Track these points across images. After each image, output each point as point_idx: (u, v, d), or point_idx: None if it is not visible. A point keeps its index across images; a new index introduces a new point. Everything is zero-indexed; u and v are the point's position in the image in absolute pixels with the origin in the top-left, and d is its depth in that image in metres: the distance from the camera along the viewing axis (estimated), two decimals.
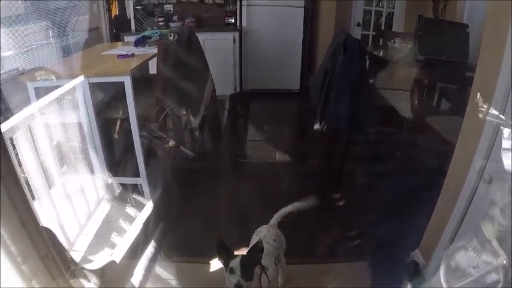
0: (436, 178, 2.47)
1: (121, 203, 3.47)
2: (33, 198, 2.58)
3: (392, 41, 4.62)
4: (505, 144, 1.69)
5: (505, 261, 1.42)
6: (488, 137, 1.82)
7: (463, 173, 2.01)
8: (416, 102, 4.62)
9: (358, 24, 6.79)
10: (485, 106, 1.87)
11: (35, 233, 1.41)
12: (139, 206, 3.43)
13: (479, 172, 1.85)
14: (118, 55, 3.57)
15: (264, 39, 6.43)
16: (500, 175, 1.67)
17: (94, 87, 3.11)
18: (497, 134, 1.77)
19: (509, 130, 1.71)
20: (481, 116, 1.88)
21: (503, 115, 1.73)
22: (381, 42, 5.56)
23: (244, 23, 6.34)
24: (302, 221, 3.29)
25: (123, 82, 3.10)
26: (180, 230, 3.15)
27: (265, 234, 2.36)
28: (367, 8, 6.85)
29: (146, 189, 3.49)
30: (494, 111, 1.79)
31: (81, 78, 3.02)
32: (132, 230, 3.13)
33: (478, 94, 1.96)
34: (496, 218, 1.52)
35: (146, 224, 3.19)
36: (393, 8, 6.77)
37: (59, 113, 3.23)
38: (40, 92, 3.07)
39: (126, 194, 3.55)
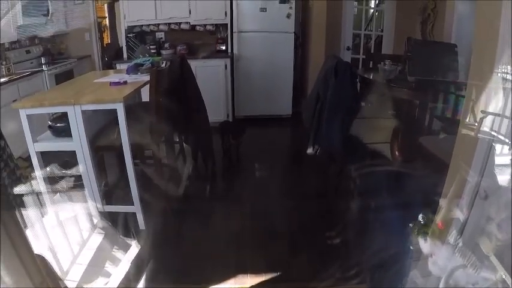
0: (432, 198, 2.47)
1: (115, 232, 3.43)
2: (26, 226, 2.55)
3: (382, 63, 4.65)
4: (499, 160, 1.70)
5: (504, 276, 1.41)
6: (482, 154, 1.82)
7: (458, 190, 2.00)
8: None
9: (348, 48, 6.86)
10: (477, 123, 1.88)
11: (29, 261, 1.38)
12: (134, 235, 3.40)
13: (475, 188, 1.85)
14: (110, 83, 3.58)
15: (255, 65, 6.48)
16: (496, 191, 1.67)
17: (87, 115, 3.11)
18: (490, 150, 1.78)
19: (502, 146, 1.72)
20: (473, 133, 1.89)
21: (495, 131, 1.74)
22: (371, 65, 5.61)
23: (235, 50, 6.40)
24: (301, 245, 3.30)
25: (116, 109, 3.11)
26: (176, 258, 3.12)
27: None
28: (356, 31, 6.94)
29: (140, 217, 3.46)
30: (486, 128, 1.80)
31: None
32: (127, 259, 3.08)
33: (470, 111, 1.98)
34: (493, 234, 1.52)
35: (141, 252, 3.15)
36: (382, 31, 6.87)
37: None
38: (33, 119, 3.08)
39: (118, 224, 3.51)
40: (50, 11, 5.63)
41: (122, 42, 6.45)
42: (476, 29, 2.14)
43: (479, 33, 2.09)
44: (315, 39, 6.53)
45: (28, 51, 5.46)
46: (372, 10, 7.30)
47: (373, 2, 7.34)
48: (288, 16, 6.24)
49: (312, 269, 2.97)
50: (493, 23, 1.85)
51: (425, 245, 2.24)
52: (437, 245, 2.07)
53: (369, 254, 2.97)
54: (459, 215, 1.98)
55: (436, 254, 2.05)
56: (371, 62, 5.76)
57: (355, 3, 6.98)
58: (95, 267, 2.98)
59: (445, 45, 4.61)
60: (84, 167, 3.23)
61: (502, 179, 1.66)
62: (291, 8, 6.21)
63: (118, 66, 5.92)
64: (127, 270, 2.93)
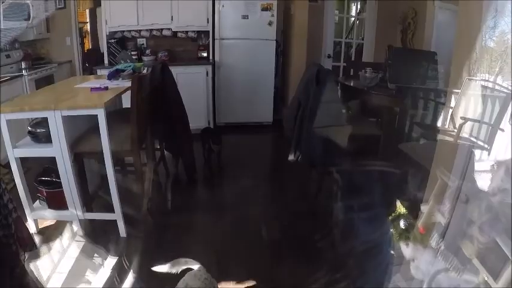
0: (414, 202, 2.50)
1: (95, 239, 3.38)
2: None
3: (363, 71, 4.69)
4: (478, 164, 1.72)
5: (486, 278, 1.43)
6: (462, 159, 1.85)
7: (439, 195, 2.03)
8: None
9: (329, 56, 6.92)
10: (456, 129, 1.91)
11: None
12: (114, 243, 3.35)
13: (456, 193, 1.87)
14: (91, 88, 3.54)
15: (236, 72, 6.49)
16: (476, 194, 1.70)
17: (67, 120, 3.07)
18: (470, 156, 1.80)
19: (481, 152, 1.74)
20: (453, 139, 1.92)
21: (474, 137, 1.77)
22: (351, 73, 5.66)
23: (217, 57, 6.40)
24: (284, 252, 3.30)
25: (97, 115, 3.08)
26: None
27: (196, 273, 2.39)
28: (337, 39, 7.00)
29: (121, 225, 3.42)
30: (466, 134, 1.83)
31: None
32: (107, 267, 3.04)
33: (450, 118, 2.01)
34: (475, 237, 1.54)
35: (121, 260, 3.12)
36: (363, 39, 6.94)
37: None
38: (12, 125, 3.03)
39: (99, 231, 3.47)
40: (31, 15, 5.57)
41: (103, 47, 6.41)
42: (456, 37, 2.18)
43: (459, 41, 2.13)
44: (297, 46, 6.57)
45: (8, 56, 5.38)
46: (352, 19, 7.38)
47: (354, 10, 7.43)
48: (270, 24, 6.27)
49: (297, 275, 2.97)
50: (472, 31, 1.89)
51: (407, 249, 2.27)
52: (419, 250, 2.09)
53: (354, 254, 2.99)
54: (441, 219, 2.00)
55: (418, 259, 2.07)
56: (351, 70, 5.82)
57: (337, 11, 7.06)
58: (75, 276, 2.94)
59: (425, 53, 4.68)
60: (64, 173, 3.18)
61: (482, 183, 1.69)
62: (272, 15, 6.24)
63: (99, 72, 5.86)
64: (107, 278, 2.90)
